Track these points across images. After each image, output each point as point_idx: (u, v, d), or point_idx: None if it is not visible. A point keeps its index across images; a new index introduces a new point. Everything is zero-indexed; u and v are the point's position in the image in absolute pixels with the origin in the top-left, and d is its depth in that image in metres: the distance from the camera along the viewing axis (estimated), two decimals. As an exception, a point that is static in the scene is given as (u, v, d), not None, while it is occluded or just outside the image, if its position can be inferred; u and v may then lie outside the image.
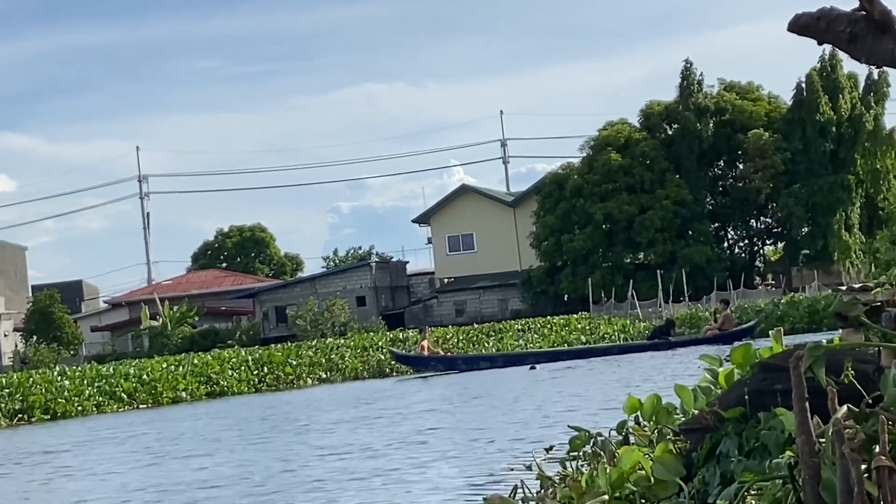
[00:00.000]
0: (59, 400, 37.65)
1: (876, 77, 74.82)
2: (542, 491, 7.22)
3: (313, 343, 50.70)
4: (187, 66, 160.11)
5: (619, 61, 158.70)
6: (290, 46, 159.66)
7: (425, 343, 42.65)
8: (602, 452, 8.08)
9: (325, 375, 44.86)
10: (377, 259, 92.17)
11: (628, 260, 75.18)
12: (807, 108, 74.42)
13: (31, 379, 38.97)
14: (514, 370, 37.70)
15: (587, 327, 53.14)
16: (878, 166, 75.34)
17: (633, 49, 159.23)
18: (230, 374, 42.98)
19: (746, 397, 6.11)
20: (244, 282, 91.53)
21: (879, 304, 6.41)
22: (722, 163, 79.80)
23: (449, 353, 44.11)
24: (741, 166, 77.63)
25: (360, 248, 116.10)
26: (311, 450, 18.37)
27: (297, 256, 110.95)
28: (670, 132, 78.00)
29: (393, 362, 44.33)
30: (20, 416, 36.77)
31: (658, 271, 65.52)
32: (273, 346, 51.00)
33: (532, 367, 37.67)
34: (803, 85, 75.22)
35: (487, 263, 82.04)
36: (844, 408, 4.87)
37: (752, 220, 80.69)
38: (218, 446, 20.82)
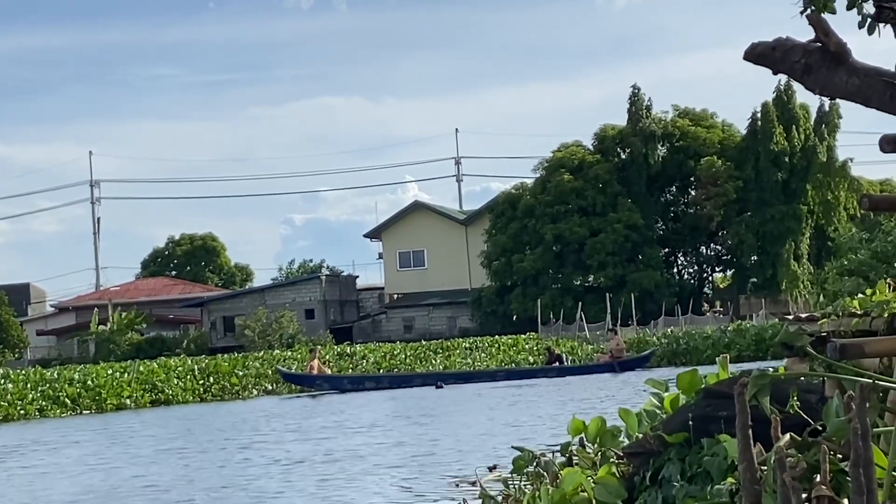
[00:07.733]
0: (2, 403, 37.35)
1: (827, 109, 75.33)
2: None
3: (260, 354, 50.53)
4: (145, 73, 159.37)
5: (575, 83, 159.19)
6: (248, 56, 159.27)
7: (315, 363, 43.69)
8: (545, 473, 8.10)
9: (270, 387, 44.73)
10: (327, 272, 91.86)
11: (578, 282, 75.17)
12: (762, 137, 74.75)
13: (-26, 381, 38.71)
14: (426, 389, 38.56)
15: (535, 348, 53.15)
16: (829, 197, 75.79)
17: (590, 71, 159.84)
18: (175, 382, 42.77)
19: (690, 423, 6.13)
20: (193, 290, 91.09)
21: (825, 334, 6.46)
22: (674, 188, 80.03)
23: (335, 374, 45.13)
24: (693, 193, 77.93)
25: (311, 260, 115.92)
26: (246, 462, 18.25)
27: (246, 267, 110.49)
28: (623, 156, 78.20)
29: None
30: (-39, 418, 36.48)
31: (607, 294, 65.62)
32: (220, 355, 50.78)
33: (439, 387, 38.83)
34: (759, 114, 75.58)
35: (438, 280, 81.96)
36: (787, 436, 4.90)
37: (702, 247, 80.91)
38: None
